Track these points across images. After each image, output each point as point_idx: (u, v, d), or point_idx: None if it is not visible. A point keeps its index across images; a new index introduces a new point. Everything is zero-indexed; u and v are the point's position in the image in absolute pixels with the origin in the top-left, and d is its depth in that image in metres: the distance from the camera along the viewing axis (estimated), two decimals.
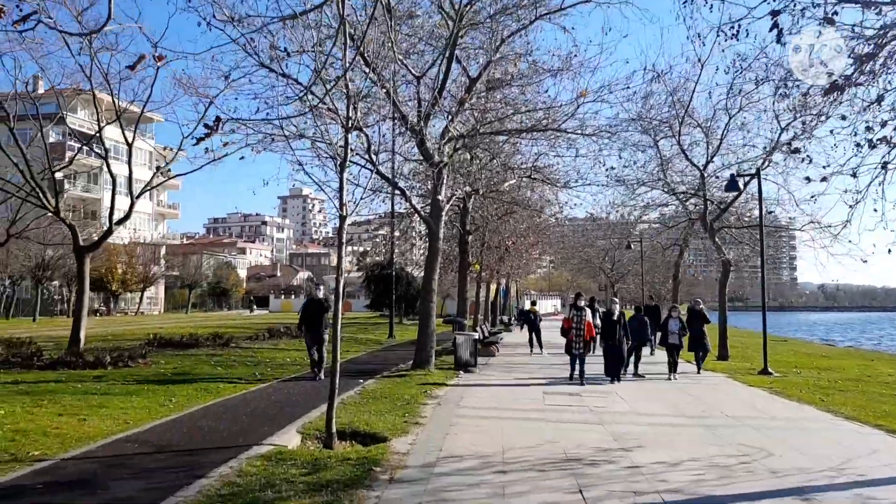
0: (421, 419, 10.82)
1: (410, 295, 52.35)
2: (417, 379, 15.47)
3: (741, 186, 19.09)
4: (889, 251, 9.26)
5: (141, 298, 66.36)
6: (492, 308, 43.89)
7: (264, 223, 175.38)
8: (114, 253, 58.26)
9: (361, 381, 15.21)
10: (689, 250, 32.48)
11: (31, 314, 48.26)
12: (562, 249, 45.87)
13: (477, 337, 18.48)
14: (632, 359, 17.37)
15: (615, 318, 15.95)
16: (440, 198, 16.40)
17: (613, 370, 15.97)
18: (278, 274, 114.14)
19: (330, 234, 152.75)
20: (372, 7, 11.88)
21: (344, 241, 9.26)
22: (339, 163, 9.27)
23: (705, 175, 23.71)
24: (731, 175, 19.27)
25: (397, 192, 18.97)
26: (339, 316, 9.22)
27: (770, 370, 18.54)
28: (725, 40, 8.70)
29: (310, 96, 10.45)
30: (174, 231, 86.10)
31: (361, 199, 9.62)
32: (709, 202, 23.64)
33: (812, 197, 20.93)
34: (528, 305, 61.08)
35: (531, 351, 24.65)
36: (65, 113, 18.35)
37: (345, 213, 9.19)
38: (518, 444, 9.14)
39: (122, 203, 66.95)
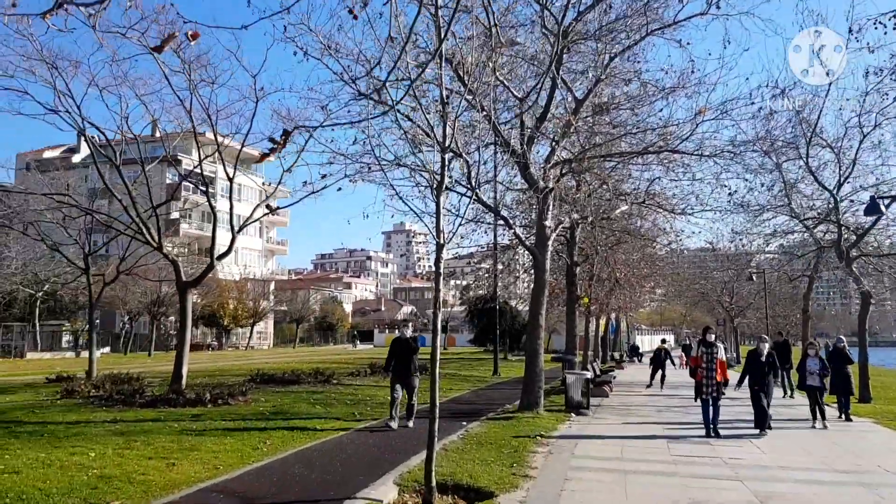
0: (531, 470, 9.76)
1: (515, 329, 51.22)
2: (525, 422, 14.38)
3: (883, 209, 17.11)
4: None
5: (251, 333, 68.09)
6: (602, 344, 42.08)
7: (369, 258, 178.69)
8: (225, 289, 60.15)
9: (465, 423, 14.26)
10: (818, 281, 29.91)
11: (147, 349, 50.09)
12: (675, 282, 43.62)
13: (589, 376, 17.21)
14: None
15: (763, 358, 13.58)
16: (546, 224, 15.39)
17: (764, 419, 13.62)
18: (382, 308, 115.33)
19: (431, 268, 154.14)
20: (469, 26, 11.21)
21: (442, 271, 8.44)
22: (435, 186, 8.49)
23: (838, 199, 21.65)
24: (871, 197, 17.33)
25: (500, 221, 18.10)
26: (438, 354, 8.37)
27: None
28: (885, 34, 7.43)
29: (399, 116, 9.80)
30: (283, 267, 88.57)
31: (460, 225, 8.87)
32: (843, 228, 21.52)
33: None
34: (635, 341, 58.49)
35: (650, 384, 25.27)
36: (168, 152, 18.59)
37: (442, 241, 8.39)
38: None
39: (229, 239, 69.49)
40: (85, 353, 48.86)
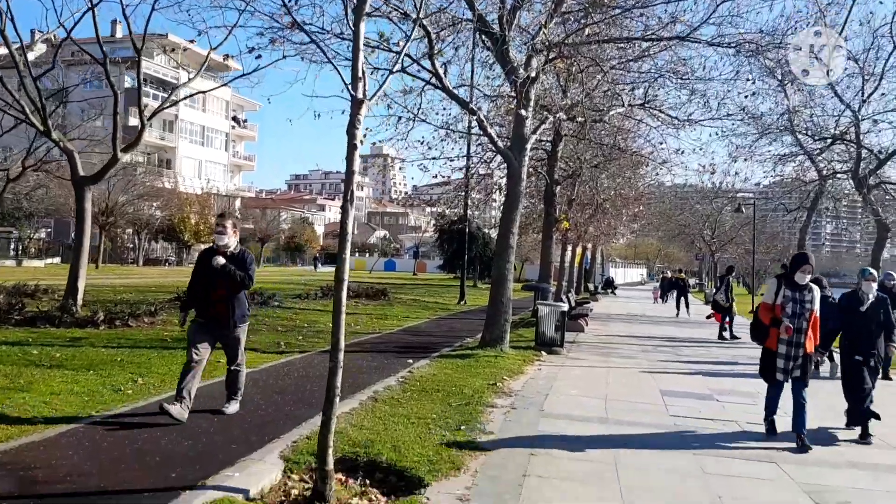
0: (484, 439, 6.90)
1: (487, 256, 48.45)
2: (485, 362, 11.52)
3: None
4: None
5: None
6: (578, 274, 39.49)
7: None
8: (186, 202, 56.65)
9: (410, 360, 11.40)
10: (819, 214, 27.23)
11: (96, 261, 46.70)
12: (658, 212, 40.81)
13: (565, 308, 14.37)
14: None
15: (866, 307, 7.97)
16: (525, 117, 12.20)
17: (861, 411, 7.77)
18: (355, 232, 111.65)
19: (407, 192, 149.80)
20: None
21: (358, 142, 5.32)
22: (354, 7, 5.30)
23: (860, 118, 18.70)
24: None
25: (473, 121, 14.91)
26: (346, 271, 5.34)
27: None
28: None
29: None
30: (253, 185, 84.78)
31: (391, 72, 5.79)
32: (864, 151, 18.66)
33: None
34: (609, 274, 56.47)
35: (677, 314, 26.95)
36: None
37: (361, 96, 5.27)
38: None
39: (198, 151, 65.36)
40: (29, 263, 45.49)
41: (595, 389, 10.04)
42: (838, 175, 23.28)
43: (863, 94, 18.54)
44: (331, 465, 5.12)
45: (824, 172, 23.41)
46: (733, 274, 18.93)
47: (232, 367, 7.29)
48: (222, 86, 17.15)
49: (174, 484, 4.99)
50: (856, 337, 8.01)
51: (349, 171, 5.41)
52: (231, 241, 7.05)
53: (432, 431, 6.91)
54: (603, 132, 20.25)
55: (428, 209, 76.97)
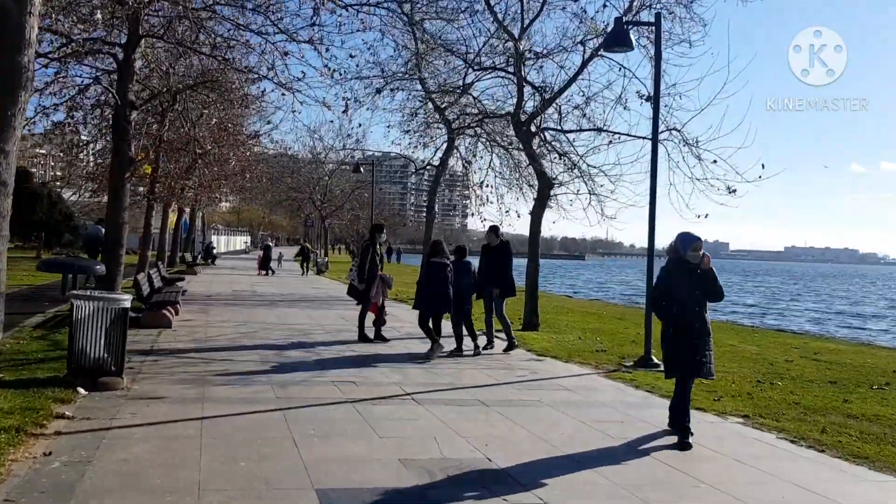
0: None
1: (55, 220, 37.54)
2: None
3: (633, 41, 10.54)
4: None
5: None
6: (173, 243, 31.64)
7: None
8: None
9: None
10: (446, 175, 24.07)
11: None
12: (266, 173, 34.97)
13: (127, 305, 7.57)
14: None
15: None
16: None
17: None
18: None
19: None
20: None
21: None
22: None
23: (521, 51, 15.11)
24: (617, 19, 10.71)
25: None
26: None
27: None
28: None
29: None
30: None
31: None
32: (527, 86, 15.17)
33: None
34: (211, 241, 49.31)
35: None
36: None
37: None
38: None
39: None
40: None
41: None
42: (467, 131, 20.08)
43: (522, 21, 14.89)
44: None
45: (454, 125, 19.96)
46: (383, 239, 12.78)
47: None
48: None
49: None
50: None
51: None
52: None
53: None
54: (202, 43, 13.66)
55: None
